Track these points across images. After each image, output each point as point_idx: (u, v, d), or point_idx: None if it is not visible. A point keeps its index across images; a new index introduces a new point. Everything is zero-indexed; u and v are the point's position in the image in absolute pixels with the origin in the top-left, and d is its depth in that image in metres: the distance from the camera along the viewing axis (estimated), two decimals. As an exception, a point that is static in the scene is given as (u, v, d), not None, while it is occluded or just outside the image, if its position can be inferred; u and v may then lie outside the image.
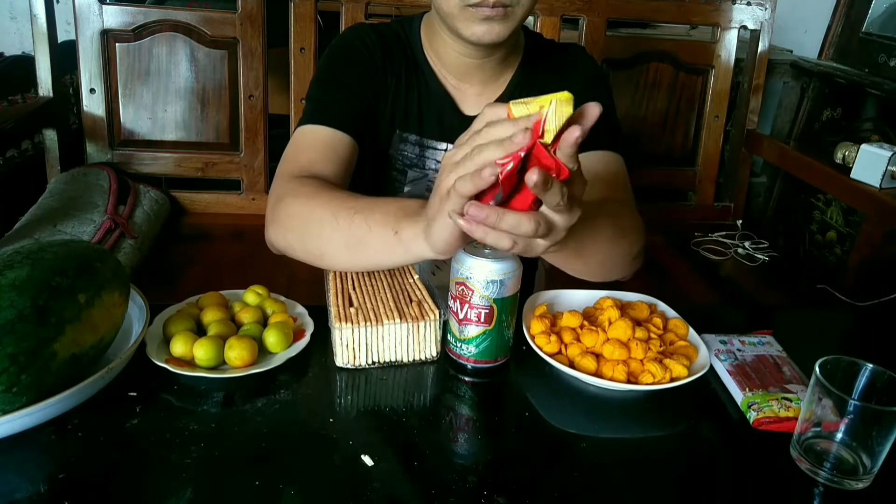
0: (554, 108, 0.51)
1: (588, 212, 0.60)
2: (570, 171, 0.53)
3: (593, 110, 0.52)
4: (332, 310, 0.70)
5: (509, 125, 0.53)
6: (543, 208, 0.55)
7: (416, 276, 0.77)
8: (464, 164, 0.55)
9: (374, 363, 0.70)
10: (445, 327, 0.72)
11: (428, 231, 0.63)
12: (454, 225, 0.58)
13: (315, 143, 0.87)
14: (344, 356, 0.69)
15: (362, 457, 0.58)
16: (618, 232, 0.81)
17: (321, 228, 0.74)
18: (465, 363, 0.71)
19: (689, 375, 0.69)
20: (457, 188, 0.55)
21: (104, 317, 0.63)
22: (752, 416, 0.66)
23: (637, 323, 0.74)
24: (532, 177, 0.50)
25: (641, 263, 0.88)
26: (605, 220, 0.78)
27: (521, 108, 0.54)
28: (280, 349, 0.69)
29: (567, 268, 0.81)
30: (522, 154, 0.52)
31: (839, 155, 1.53)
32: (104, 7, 1.42)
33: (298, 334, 0.72)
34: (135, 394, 0.64)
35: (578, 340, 0.73)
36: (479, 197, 0.55)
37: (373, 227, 0.70)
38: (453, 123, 0.95)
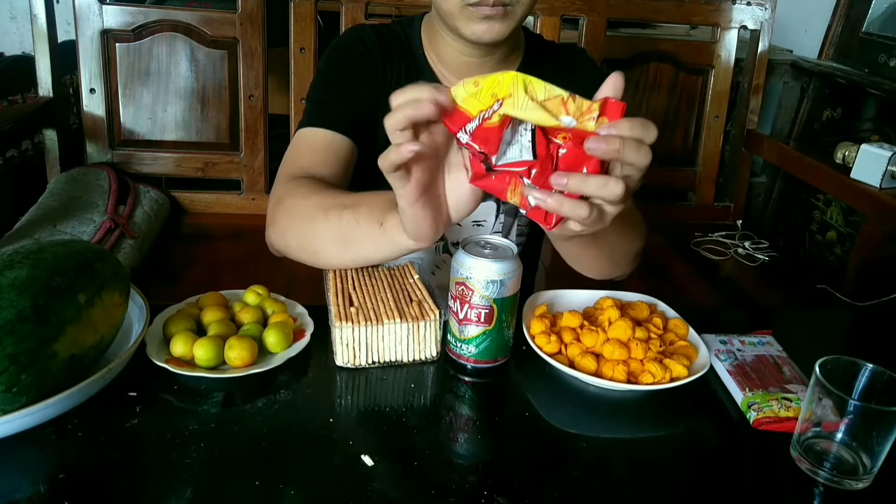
0: (517, 89, 0.50)
1: None
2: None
3: (617, 82, 0.52)
4: (332, 309, 0.70)
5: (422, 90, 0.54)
6: (618, 171, 0.54)
7: (416, 276, 0.77)
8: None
9: (374, 363, 0.70)
10: (445, 327, 0.72)
11: (403, 220, 0.63)
12: (410, 210, 0.59)
13: (314, 146, 0.87)
14: (344, 356, 0.69)
15: (362, 457, 0.58)
16: (627, 226, 0.82)
17: (313, 226, 0.75)
18: (465, 363, 0.71)
19: (689, 375, 0.69)
20: (381, 165, 0.56)
21: (104, 317, 0.63)
22: (752, 416, 0.66)
23: (637, 323, 0.74)
24: (559, 179, 0.51)
25: (639, 262, 0.88)
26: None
27: (461, 90, 0.53)
28: (280, 349, 0.69)
29: (578, 258, 0.81)
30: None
31: (839, 155, 1.53)
32: (104, 7, 1.42)
33: (298, 334, 0.72)
34: (135, 394, 0.64)
35: (578, 340, 0.73)
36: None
37: (360, 221, 0.70)
38: None
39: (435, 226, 0.62)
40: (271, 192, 0.85)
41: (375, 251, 0.72)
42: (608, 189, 0.53)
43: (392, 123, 0.55)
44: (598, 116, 0.51)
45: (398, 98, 0.55)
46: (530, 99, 0.50)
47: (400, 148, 0.54)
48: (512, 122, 0.53)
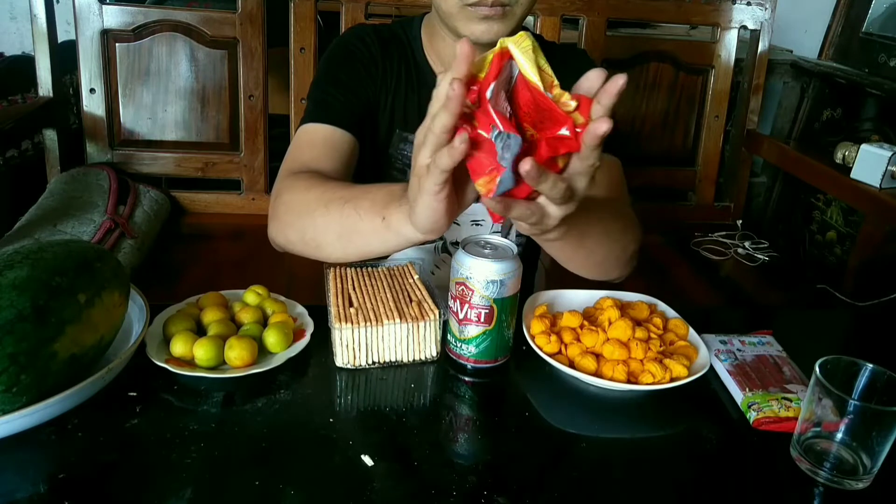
0: (517, 52, 0.52)
1: (592, 203, 0.61)
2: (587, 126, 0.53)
3: (599, 77, 0.54)
4: (332, 310, 0.70)
5: (443, 83, 0.53)
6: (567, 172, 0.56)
7: (416, 276, 0.77)
8: (428, 139, 0.55)
9: (374, 363, 0.70)
10: (445, 327, 0.72)
11: (412, 213, 0.63)
12: (434, 203, 0.58)
13: (316, 141, 0.87)
14: (344, 356, 0.69)
15: (362, 457, 0.58)
16: (619, 228, 0.82)
17: (314, 220, 0.74)
18: (465, 363, 0.71)
19: (689, 375, 0.69)
20: (436, 163, 0.55)
21: (104, 317, 0.63)
22: (752, 416, 0.66)
23: (637, 323, 0.74)
24: (524, 166, 0.50)
25: (636, 265, 0.88)
26: (608, 213, 0.79)
27: (479, 63, 0.53)
28: (280, 349, 0.69)
29: (568, 260, 0.81)
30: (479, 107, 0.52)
31: (839, 155, 1.53)
32: (104, 7, 1.42)
33: (298, 334, 0.72)
34: (135, 394, 0.64)
35: (578, 340, 0.73)
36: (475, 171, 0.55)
37: (362, 215, 0.70)
38: None
39: (450, 217, 0.62)
40: (273, 188, 0.85)
41: (379, 244, 0.71)
42: (557, 188, 0.55)
43: (438, 127, 0.54)
44: (574, 111, 0.54)
45: (433, 107, 0.55)
46: (532, 51, 0.53)
47: (452, 147, 0.53)
48: (497, 84, 0.54)
